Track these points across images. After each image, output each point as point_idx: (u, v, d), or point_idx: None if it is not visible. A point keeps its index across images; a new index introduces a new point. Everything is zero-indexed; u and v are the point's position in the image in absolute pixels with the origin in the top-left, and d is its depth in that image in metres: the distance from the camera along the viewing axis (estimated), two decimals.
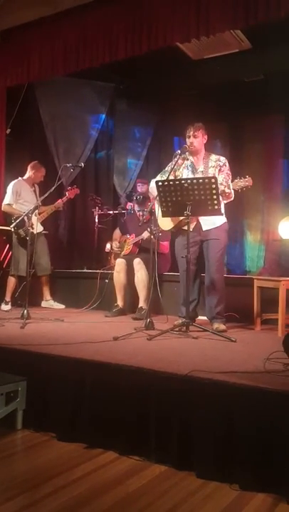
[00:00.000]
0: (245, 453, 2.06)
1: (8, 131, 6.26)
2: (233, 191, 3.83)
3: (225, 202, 3.87)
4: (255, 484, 1.99)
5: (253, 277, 4.38)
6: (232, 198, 3.89)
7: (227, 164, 4.04)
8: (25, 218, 4.63)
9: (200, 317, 4.31)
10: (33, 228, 4.82)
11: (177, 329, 3.66)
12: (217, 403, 2.18)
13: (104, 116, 7.66)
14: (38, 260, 5.38)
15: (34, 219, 5.02)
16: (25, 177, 5.61)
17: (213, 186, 3.43)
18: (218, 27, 4.49)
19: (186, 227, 3.93)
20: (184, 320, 3.75)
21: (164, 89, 7.20)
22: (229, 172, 4.00)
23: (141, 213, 5.19)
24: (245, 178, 3.81)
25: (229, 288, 4.12)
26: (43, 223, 5.53)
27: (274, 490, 1.97)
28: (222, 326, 3.85)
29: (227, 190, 3.77)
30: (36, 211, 5.11)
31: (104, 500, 1.93)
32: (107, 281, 5.28)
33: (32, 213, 4.63)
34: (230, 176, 3.96)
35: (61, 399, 2.65)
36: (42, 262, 5.48)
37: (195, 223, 3.93)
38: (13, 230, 5.20)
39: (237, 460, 2.08)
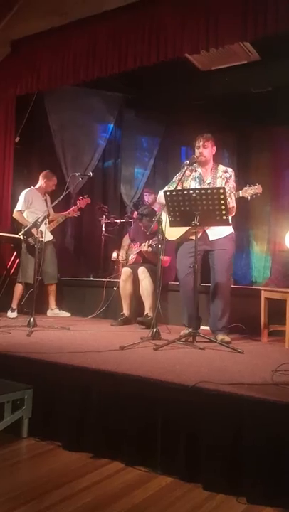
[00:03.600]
0: (253, 466, 2.05)
1: (17, 139, 6.31)
2: (235, 205, 3.82)
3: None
4: (263, 497, 1.98)
5: (261, 288, 4.36)
6: (233, 213, 3.86)
7: (233, 176, 4.04)
8: (35, 227, 4.65)
9: (202, 327, 4.30)
10: (42, 237, 4.83)
11: (183, 339, 3.65)
12: (224, 415, 2.17)
13: (112, 125, 7.70)
14: (45, 269, 5.40)
15: (43, 227, 5.05)
16: (36, 186, 5.65)
17: (222, 197, 3.43)
18: (228, 39, 4.51)
19: (191, 237, 3.94)
20: (190, 330, 3.74)
21: (171, 99, 7.23)
22: (234, 184, 4.00)
23: (143, 226, 5.18)
24: (255, 185, 3.80)
25: (236, 298, 4.11)
26: (52, 231, 5.56)
27: (282, 504, 1.95)
28: (227, 338, 3.82)
29: (232, 204, 3.76)
30: (46, 220, 5.13)
31: (110, 511, 1.92)
32: (115, 288, 5.28)
33: (41, 222, 4.65)
34: (235, 189, 3.96)
35: (67, 408, 2.65)
36: (49, 271, 5.50)
37: (201, 233, 3.91)
38: (22, 238, 5.23)
39: (244, 473, 2.06)
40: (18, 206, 5.49)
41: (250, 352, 3.44)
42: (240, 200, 3.89)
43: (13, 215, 5.55)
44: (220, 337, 3.83)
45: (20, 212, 5.45)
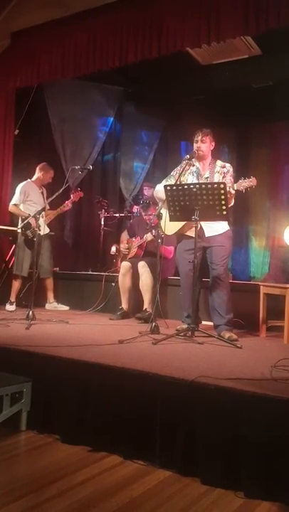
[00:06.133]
0: (251, 460, 2.05)
1: (17, 132, 6.28)
2: (234, 195, 3.81)
3: None
4: (261, 492, 1.98)
5: (260, 284, 4.37)
6: (232, 203, 3.85)
7: (231, 171, 4.02)
8: (33, 220, 4.63)
9: (204, 322, 4.31)
10: (40, 230, 4.83)
11: (182, 334, 3.65)
12: (223, 410, 2.17)
13: (112, 119, 7.69)
14: (41, 262, 5.39)
15: (41, 221, 5.03)
16: (33, 178, 5.62)
17: (222, 192, 3.43)
18: (229, 33, 4.50)
19: (187, 233, 3.94)
20: (188, 325, 3.74)
21: (172, 93, 7.21)
22: (232, 179, 3.98)
23: (147, 217, 5.20)
24: (249, 178, 3.78)
25: (235, 293, 4.10)
26: (48, 225, 5.55)
27: (280, 498, 1.96)
28: (234, 336, 3.76)
29: (231, 191, 3.74)
30: (43, 213, 5.12)
31: (108, 504, 1.92)
32: (113, 284, 5.27)
33: (39, 215, 4.64)
34: (233, 183, 3.94)
35: (66, 401, 2.65)
36: (45, 265, 5.50)
37: (198, 229, 3.88)
38: (20, 231, 5.22)
39: (242, 467, 2.06)
40: (14, 200, 5.47)
41: (249, 347, 3.45)
42: (237, 195, 3.88)
43: (9, 209, 5.53)
44: (227, 334, 3.75)
45: (16, 205, 5.43)
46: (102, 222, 7.00)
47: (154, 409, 2.34)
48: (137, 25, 4.94)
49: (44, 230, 5.37)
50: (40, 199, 5.44)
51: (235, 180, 3.89)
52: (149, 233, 4.86)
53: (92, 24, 5.26)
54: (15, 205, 5.45)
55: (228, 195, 3.64)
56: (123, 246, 5.44)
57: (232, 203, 3.86)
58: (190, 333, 3.62)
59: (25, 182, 5.56)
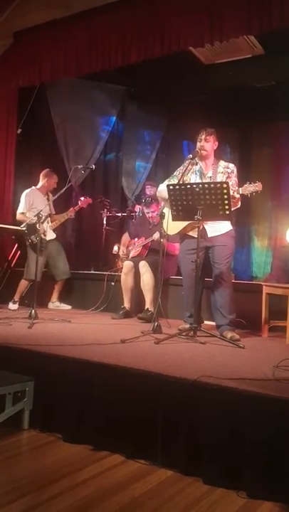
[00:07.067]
0: (254, 460, 2.05)
1: (19, 131, 6.28)
2: (240, 198, 3.81)
3: (232, 209, 3.82)
4: (263, 492, 1.98)
5: (262, 284, 4.36)
6: (238, 205, 3.85)
7: (235, 171, 4.00)
8: (37, 225, 4.62)
9: (206, 322, 4.31)
10: (45, 235, 4.83)
11: (185, 334, 3.65)
12: (225, 409, 2.17)
13: (114, 118, 7.69)
14: (55, 265, 5.42)
15: (46, 226, 5.03)
16: (38, 186, 5.57)
17: (225, 191, 3.42)
18: (232, 33, 4.50)
19: (190, 233, 3.94)
20: (191, 324, 3.74)
21: (174, 92, 7.21)
22: (236, 180, 3.96)
23: (150, 215, 5.20)
24: (255, 183, 3.78)
25: (237, 294, 4.09)
26: (54, 230, 5.55)
27: (282, 498, 1.96)
28: (236, 336, 3.74)
29: (236, 195, 3.74)
30: (48, 219, 5.12)
31: (110, 504, 1.92)
32: (113, 283, 5.28)
33: (44, 220, 4.62)
34: (237, 184, 3.93)
35: (68, 400, 2.65)
36: (59, 266, 5.51)
37: (200, 229, 3.87)
38: (25, 233, 5.21)
39: (245, 467, 2.06)
40: (20, 208, 5.45)
41: (251, 347, 3.44)
42: (240, 197, 3.87)
43: (17, 218, 5.49)
44: (230, 334, 3.73)
45: (23, 214, 5.41)
46: (105, 222, 7.00)
47: (157, 408, 2.34)
48: (139, 25, 4.94)
49: (49, 235, 5.37)
50: (46, 206, 5.40)
51: (241, 183, 3.87)
52: (157, 232, 4.84)
53: (94, 23, 5.26)
54: (22, 213, 5.42)
55: (234, 200, 3.65)
56: (122, 252, 5.43)
57: (238, 206, 3.85)
58: (192, 332, 3.62)
59: (29, 190, 5.51)
